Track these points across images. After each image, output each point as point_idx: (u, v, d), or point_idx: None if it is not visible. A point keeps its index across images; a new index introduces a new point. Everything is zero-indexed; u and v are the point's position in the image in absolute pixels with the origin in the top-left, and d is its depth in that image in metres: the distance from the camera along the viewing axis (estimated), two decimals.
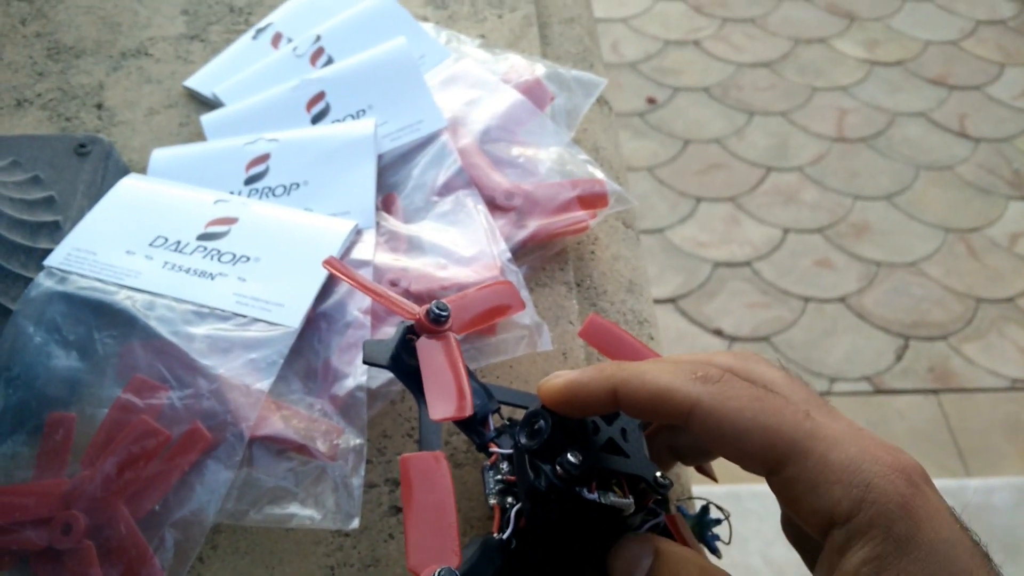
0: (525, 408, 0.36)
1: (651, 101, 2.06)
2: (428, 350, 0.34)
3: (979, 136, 1.99)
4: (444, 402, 0.32)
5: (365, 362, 0.36)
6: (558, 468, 0.29)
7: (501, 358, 0.42)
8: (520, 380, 0.43)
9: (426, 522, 0.29)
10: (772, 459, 0.26)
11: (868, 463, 0.25)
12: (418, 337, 0.35)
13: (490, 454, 0.34)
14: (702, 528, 0.34)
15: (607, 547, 0.31)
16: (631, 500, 0.30)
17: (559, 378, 0.30)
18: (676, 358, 0.31)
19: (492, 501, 0.32)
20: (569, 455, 0.29)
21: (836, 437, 0.26)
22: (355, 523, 0.36)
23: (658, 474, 0.31)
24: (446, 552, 0.28)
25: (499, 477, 0.33)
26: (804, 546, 0.29)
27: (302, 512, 0.37)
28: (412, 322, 0.36)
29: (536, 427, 0.31)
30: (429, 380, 0.33)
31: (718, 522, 0.35)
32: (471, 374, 0.35)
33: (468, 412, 0.32)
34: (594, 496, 0.29)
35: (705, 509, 0.35)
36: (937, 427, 1.47)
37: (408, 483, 0.30)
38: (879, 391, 1.52)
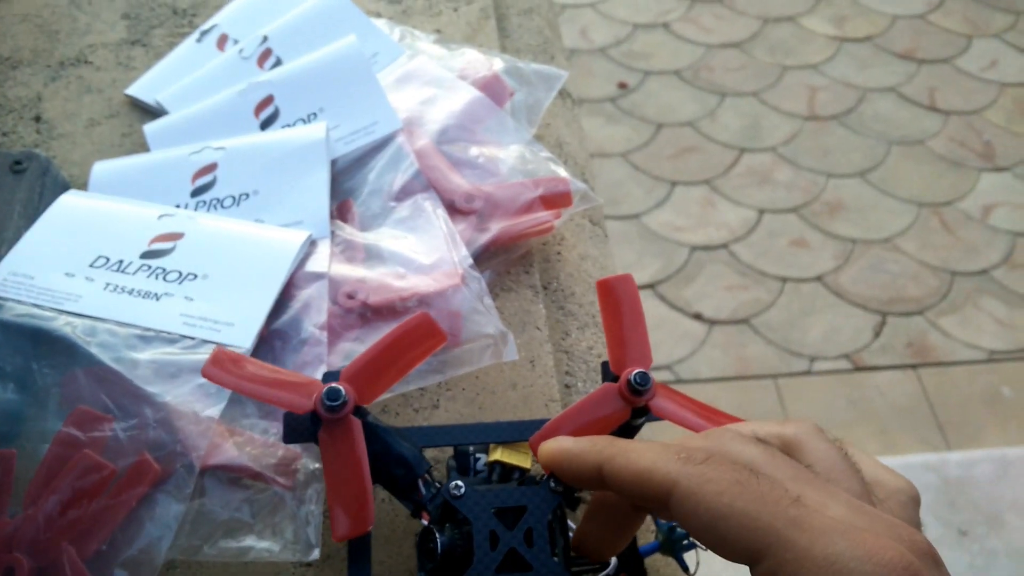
0: (466, 450, 0.35)
1: (622, 86, 2.05)
2: (327, 448, 0.32)
3: (949, 109, 1.99)
4: (344, 520, 0.30)
5: (286, 442, 0.34)
6: None
7: (466, 369, 0.40)
8: (487, 391, 0.41)
9: None
10: (750, 549, 0.23)
11: (858, 561, 0.22)
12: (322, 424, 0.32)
13: (422, 522, 0.32)
14: (674, 544, 0.33)
15: None
16: None
17: (556, 443, 0.30)
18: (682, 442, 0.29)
19: None
20: None
21: (825, 527, 0.23)
22: (316, 554, 0.34)
23: None
24: None
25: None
26: None
27: (259, 544, 0.35)
28: None
29: (430, 546, 0.30)
30: (329, 489, 0.31)
31: (687, 536, 0.34)
32: (393, 439, 0.33)
33: (367, 527, 0.30)
34: None
35: (675, 526, 0.33)
36: (917, 402, 1.48)
37: None
38: (858, 368, 1.52)
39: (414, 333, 0.35)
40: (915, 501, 0.28)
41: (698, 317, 1.60)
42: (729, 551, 0.24)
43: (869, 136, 1.93)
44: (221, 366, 0.34)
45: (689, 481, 0.25)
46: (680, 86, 2.05)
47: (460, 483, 0.31)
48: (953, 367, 1.53)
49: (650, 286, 1.64)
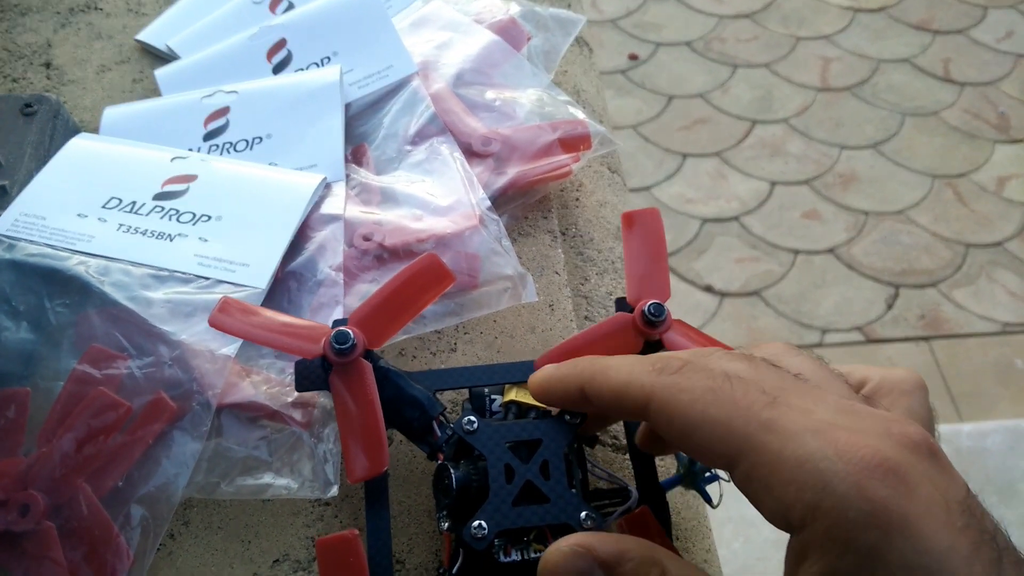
0: (481, 391, 0.34)
1: (633, 57, 2.02)
2: (338, 392, 0.31)
3: (964, 80, 1.96)
4: (358, 460, 0.30)
5: (298, 391, 0.33)
6: (465, 537, 0.28)
7: (484, 312, 0.40)
8: (505, 334, 0.40)
9: None
10: (725, 455, 0.23)
11: (829, 460, 0.21)
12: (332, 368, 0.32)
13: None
14: (695, 476, 0.32)
15: None
16: None
17: (541, 372, 0.30)
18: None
19: (444, 525, 0.30)
20: (474, 525, 0.28)
21: (798, 428, 0.22)
22: (334, 491, 0.34)
23: (583, 514, 0.28)
24: None
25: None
26: None
27: (277, 482, 0.34)
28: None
29: (445, 482, 0.30)
30: (343, 432, 0.31)
31: (708, 469, 0.33)
32: (405, 382, 0.32)
33: (382, 469, 0.30)
34: (512, 555, 0.28)
35: (693, 460, 0.33)
36: (929, 373, 1.47)
37: (324, 568, 0.28)
38: (871, 340, 1.51)
39: (421, 275, 0.34)
40: (920, 388, 0.28)
41: (709, 289, 1.59)
42: (707, 459, 0.24)
43: (883, 107, 1.91)
44: (229, 314, 0.34)
45: (664, 392, 0.24)
46: (691, 57, 2.03)
47: (473, 418, 0.31)
48: (966, 339, 1.51)
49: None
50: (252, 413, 0.36)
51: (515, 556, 0.28)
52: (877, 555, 0.20)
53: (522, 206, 0.45)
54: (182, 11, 0.53)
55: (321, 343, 0.32)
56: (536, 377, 0.30)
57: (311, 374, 0.33)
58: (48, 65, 0.51)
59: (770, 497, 0.22)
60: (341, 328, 0.32)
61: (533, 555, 0.28)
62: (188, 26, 0.52)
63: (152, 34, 0.52)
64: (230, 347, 0.36)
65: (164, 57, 0.51)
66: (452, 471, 0.30)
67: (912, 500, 0.20)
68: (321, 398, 0.36)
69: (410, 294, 0.34)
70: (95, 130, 0.47)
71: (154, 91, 0.49)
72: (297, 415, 0.36)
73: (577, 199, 0.47)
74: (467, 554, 0.29)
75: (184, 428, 0.35)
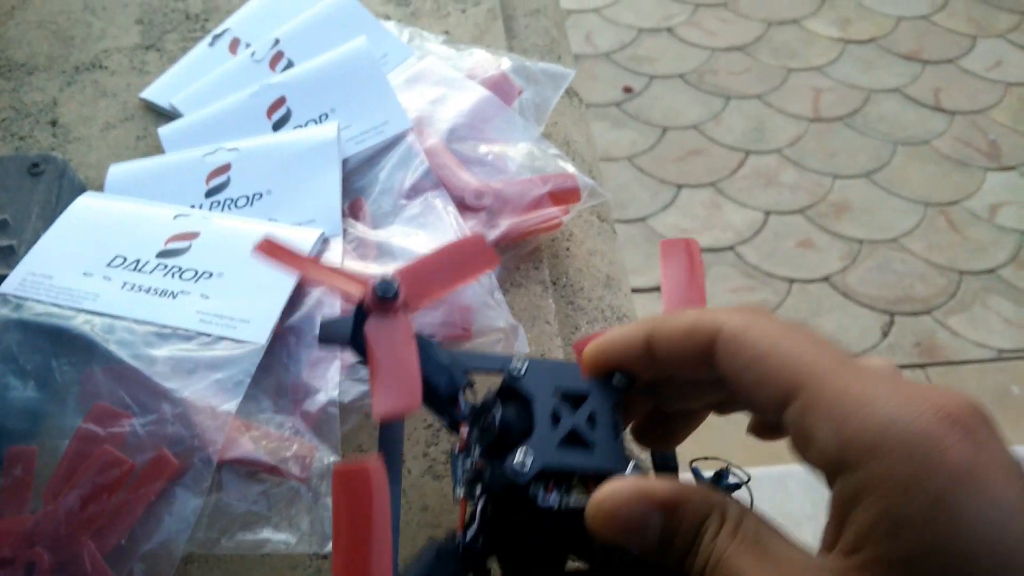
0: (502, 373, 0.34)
1: (627, 90, 2.05)
2: (375, 333, 0.30)
3: (954, 109, 1.99)
4: (388, 396, 0.28)
5: (321, 341, 0.32)
6: (507, 470, 0.26)
7: None
8: (498, 384, 0.41)
9: (356, 550, 0.25)
10: (785, 388, 0.22)
11: (897, 401, 0.20)
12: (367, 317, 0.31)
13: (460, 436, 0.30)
14: None
15: (582, 551, 0.28)
16: None
17: (602, 336, 0.29)
18: None
19: (459, 491, 0.29)
20: (517, 456, 0.26)
21: (865, 375, 0.22)
22: (331, 545, 0.35)
23: (631, 464, 0.27)
24: None
25: (468, 466, 0.29)
26: None
27: (276, 536, 0.35)
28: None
29: (488, 420, 0.29)
30: (375, 370, 0.30)
31: (736, 487, 0.33)
32: (435, 350, 0.32)
33: (415, 407, 0.28)
34: (551, 498, 0.26)
35: (720, 474, 0.33)
36: None
37: (338, 501, 0.26)
38: None
39: (468, 248, 0.35)
40: None
41: None
42: (764, 393, 0.23)
43: (874, 137, 1.93)
44: (273, 251, 0.34)
45: (736, 324, 0.24)
46: (685, 89, 2.06)
47: (521, 361, 0.30)
48: (962, 366, 1.52)
49: (657, 289, 1.64)
50: (251, 468, 0.37)
51: (553, 500, 0.27)
52: (944, 503, 0.19)
53: (514, 257, 0.46)
54: (185, 69, 0.55)
55: (364, 288, 0.31)
56: (596, 342, 0.29)
57: (337, 327, 0.32)
58: (54, 123, 0.53)
59: (828, 430, 0.21)
60: (387, 277, 0.31)
61: (574, 500, 0.27)
62: (190, 84, 0.53)
63: (156, 92, 0.54)
64: (231, 403, 0.37)
65: (167, 115, 0.53)
66: (499, 405, 0.29)
67: (979, 455, 0.20)
68: (319, 452, 0.37)
69: (454, 262, 0.34)
70: (100, 186, 0.48)
71: (157, 148, 0.51)
72: (295, 469, 0.37)
73: (568, 249, 0.48)
74: (498, 502, 0.28)
75: (186, 484, 0.36)
